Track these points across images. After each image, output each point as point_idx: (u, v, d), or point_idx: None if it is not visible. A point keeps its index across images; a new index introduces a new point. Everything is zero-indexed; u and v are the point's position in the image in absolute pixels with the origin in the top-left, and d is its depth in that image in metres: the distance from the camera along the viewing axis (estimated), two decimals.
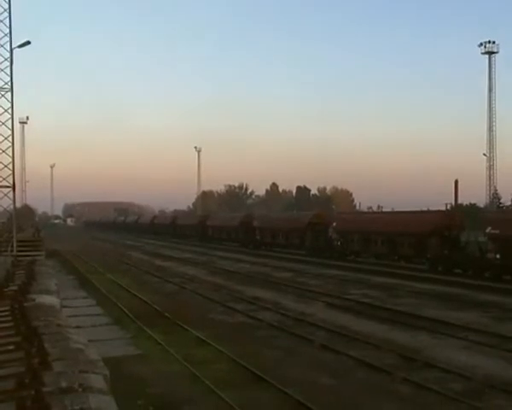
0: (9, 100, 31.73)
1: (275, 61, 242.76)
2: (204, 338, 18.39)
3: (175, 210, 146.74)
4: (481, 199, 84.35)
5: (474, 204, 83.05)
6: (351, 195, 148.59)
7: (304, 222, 53.98)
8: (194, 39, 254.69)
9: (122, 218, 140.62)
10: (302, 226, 53.32)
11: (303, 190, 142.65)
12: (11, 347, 6.91)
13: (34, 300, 11.06)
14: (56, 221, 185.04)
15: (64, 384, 5.21)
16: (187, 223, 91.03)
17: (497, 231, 33.08)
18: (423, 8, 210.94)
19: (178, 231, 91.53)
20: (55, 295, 12.96)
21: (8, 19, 31.35)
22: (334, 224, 49.88)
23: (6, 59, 31.52)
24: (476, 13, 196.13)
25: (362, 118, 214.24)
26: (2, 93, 31.57)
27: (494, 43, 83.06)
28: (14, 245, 31.34)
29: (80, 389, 5.13)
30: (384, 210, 52.60)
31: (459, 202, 70.16)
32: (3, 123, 31.65)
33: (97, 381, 5.50)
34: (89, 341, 8.30)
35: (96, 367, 6.01)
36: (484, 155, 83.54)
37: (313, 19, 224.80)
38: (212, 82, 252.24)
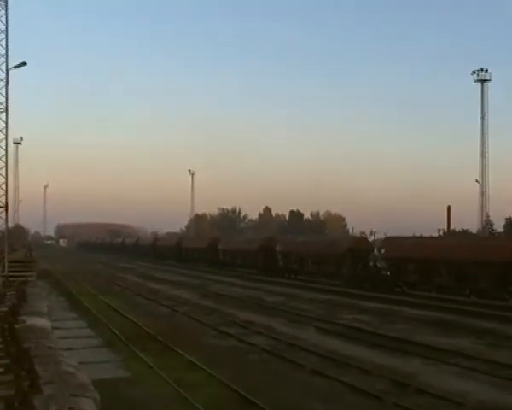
0: (4, 120, 31.85)
1: (268, 84, 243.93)
2: (196, 362, 18.30)
3: (167, 233, 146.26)
4: (473, 225, 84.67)
5: (467, 230, 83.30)
6: (343, 219, 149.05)
7: (342, 247, 47.23)
8: (188, 58, 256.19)
9: (120, 239, 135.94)
10: (340, 252, 46.54)
11: (296, 215, 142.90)
12: (1, 369, 6.89)
13: (25, 321, 11.02)
14: (49, 242, 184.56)
15: (54, 408, 5.20)
16: (194, 246, 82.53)
17: None
18: (420, 34, 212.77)
19: (184, 254, 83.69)
20: (46, 317, 12.93)
21: (4, 40, 31.59)
22: (383, 250, 43.68)
23: (1, 79, 31.70)
24: (470, 41, 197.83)
25: (357, 143, 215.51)
26: None
27: (487, 71, 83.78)
28: (6, 266, 31.25)
29: None
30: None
31: (451, 227, 70.63)
32: None
33: (87, 405, 5.50)
34: (79, 363, 8.28)
35: (87, 391, 6.00)
36: (476, 181, 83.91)
37: (310, 39, 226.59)
38: (206, 104, 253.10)
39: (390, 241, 44.46)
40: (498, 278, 32.45)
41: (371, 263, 45.09)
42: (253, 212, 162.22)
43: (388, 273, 42.41)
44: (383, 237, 53.54)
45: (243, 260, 65.27)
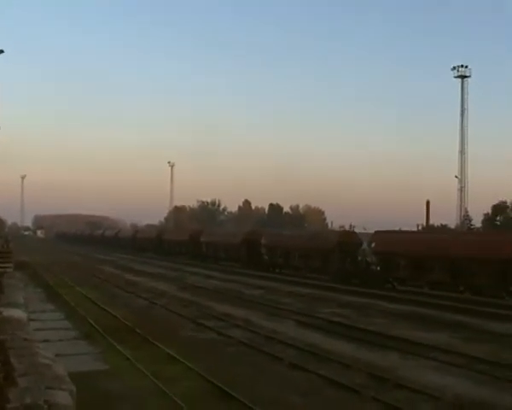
0: None
1: (247, 75, 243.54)
2: (174, 354, 18.23)
3: (147, 225, 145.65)
4: (452, 220, 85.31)
5: (446, 225, 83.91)
6: (323, 213, 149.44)
7: (331, 241, 45.86)
8: (166, 53, 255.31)
9: (100, 231, 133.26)
10: (328, 246, 45.17)
11: (275, 208, 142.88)
12: None
13: (1, 313, 10.89)
14: (26, 233, 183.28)
15: (29, 401, 5.11)
16: (175, 238, 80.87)
17: None
18: (398, 26, 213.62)
19: (166, 247, 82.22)
20: (22, 309, 12.79)
21: None
22: (373, 244, 42.06)
23: None
24: (450, 37, 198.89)
25: (336, 138, 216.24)
26: None
27: (467, 67, 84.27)
28: None
29: (46, 406, 5.04)
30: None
31: (430, 222, 71.14)
32: None
33: (63, 397, 5.41)
34: (56, 355, 8.18)
35: (63, 383, 5.91)
36: (455, 177, 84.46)
37: (287, 30, 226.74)
38: (187, 99, 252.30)
39: (381, 235, 43.11)
40: (497, 276, 31.32)
41: (359, 258, 43.93)
42: (232, 205, 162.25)
43: (378, 268, 41.14)
44: (363, 231, 53.48)
45: (226, 253, 63.94)
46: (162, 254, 79.84)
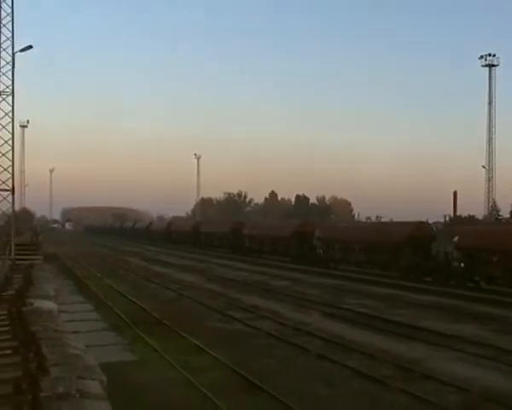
0: (10, 104, 31.85)
1: (273, 67, 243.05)
2: (201, 346, 18.34)
3: (173, 217, 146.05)
4: (480, 211, 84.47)
5: (473, 216, 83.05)
6: (349, 204, 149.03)
7: (401, 234, 40.90)
8: (193, 45, 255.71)
9: (130, 224, 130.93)
10: (399, 240, 40.65)
11: (302, 199, 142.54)
12: (8, 351, 6.91)
13: (32, 304, 11.05)
14: (55, 225, 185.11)
15: (61, 390, 5.20)
16: (215, 230, 76.37)
17: None
18: (424, 15, 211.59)
19: (203, 239, 78.73)
20: (53, 300, 12.96)
21: (10, 23, 31.53)
22: (456, 238, 36.45)
23: (8, 63, 31.69)
24: (478, 25, 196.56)
25: (362, 128, 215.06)
26: (3, 97, 31.70)
27: (494, 56, 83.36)
28: (12, 249, 31.34)
29: (77, 395, 5.12)
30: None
31: (457, 213, 70.36)
32: (4, 126, 31.79)
33: (94, 387, 5.50)
34: (86, 346, 8.29)
35: (94, 373, 6.01)
36: (483, 166, 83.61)
37: (307, 22, 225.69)
38: (212, 90, 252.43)
39: (466, 227, 38.72)
40: None
41: (434, 252, 39.05)
42: (258, 196, 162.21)
43: (462, 265, 35.70)
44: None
45: (273, 247, 59.39)
46: (200, 248, 76.66)
